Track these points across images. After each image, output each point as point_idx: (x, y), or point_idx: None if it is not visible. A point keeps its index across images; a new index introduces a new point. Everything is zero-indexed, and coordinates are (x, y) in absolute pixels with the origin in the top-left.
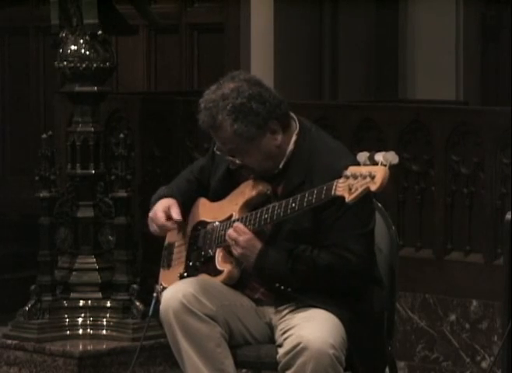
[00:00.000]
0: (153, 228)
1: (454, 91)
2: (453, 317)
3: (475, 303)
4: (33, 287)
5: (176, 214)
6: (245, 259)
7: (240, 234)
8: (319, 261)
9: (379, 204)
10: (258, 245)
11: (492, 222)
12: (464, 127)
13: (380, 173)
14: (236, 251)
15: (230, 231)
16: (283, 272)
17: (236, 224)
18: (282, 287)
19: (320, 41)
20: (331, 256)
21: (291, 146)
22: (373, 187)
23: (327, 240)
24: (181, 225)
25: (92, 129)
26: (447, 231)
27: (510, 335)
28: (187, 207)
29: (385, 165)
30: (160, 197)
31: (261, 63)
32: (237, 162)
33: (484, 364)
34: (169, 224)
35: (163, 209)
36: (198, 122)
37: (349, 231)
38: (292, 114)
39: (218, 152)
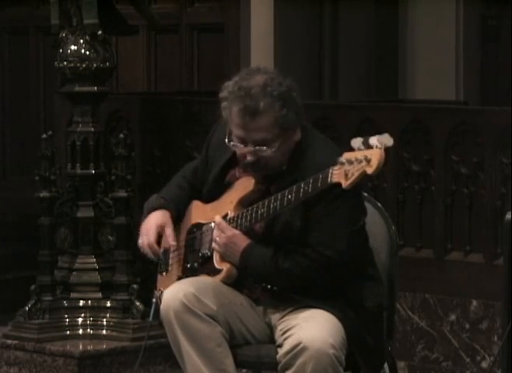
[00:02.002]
0: (142, 244)
1: (454, 91)
2: (453, 317)
3: (475, 303)
4: (33, 287)
5: (171, 238)
6: (229, 258)
7: (222, 231)
8: (303, 261)
9: (379, 204)
10: (242, 243)
11: (492, 222)
12: (464, 127)
13: (375, 156)
14: (219, 249)
15: (215, 230)
16: (267, 271)
17: (218, 221)
18: (269, 287)
19: (320, 41)
20: (317, 256)
21: (292, 146)
22: (370, 170)
23: (315, 238)
24: (174, 229)
25: (92, 129)
26: (447, 231)
27: (510, 335)
28: (181, 214)
29: (380, 148)
30: (153, 208)
31: (261, 63)
32: (265, 153)
33: (484, 364)
34: (157, 251)
35: (156, 228)
36: (235, 109)
37: (337, 229)
38: None
39: (231, 144)
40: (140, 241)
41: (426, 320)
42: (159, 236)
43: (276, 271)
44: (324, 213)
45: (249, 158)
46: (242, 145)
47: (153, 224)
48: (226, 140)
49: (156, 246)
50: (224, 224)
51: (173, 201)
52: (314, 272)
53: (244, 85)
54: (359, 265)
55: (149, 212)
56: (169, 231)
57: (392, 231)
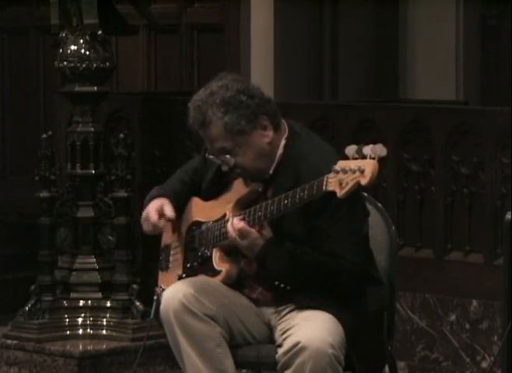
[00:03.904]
0: (146, 227)
1: (454, 91)
2: (453, 317)
3: (475, 303)
4: (33, 287)
5: (169, 211)
6: (250, 250)
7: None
8: (317, 264)
9: (379, 204)
10: (262, 239)
11: (492, 222)
12: (464, 127)
13: (369, 167)
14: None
15: (233, 225)
16: (284, 267)
17: (240, 226)
18: (282, 285)
19: (320, 41)
20: (328, 263)
21: (280, 150)
22: (363, 181)
23: (321, 248)
24: (175, 225)
25: (92, 129)
26: (447, 231)
27: (510, 335)
28: (181, 207)
29: (374, 159)
30: (153, 198)
31: (261, 63)
32: (230, 162)
33: (484, 364)
34: (161, 222)
35: (156, 208)
36: (189, 124)
37: (342, 239)
38: (282, 119)
39: (210, 157)
40: (143, 225)
41: (426, 320)
42: (160, 216)
43: (292, 269)
44: (329, 222)
45: (223, 167)
46: (213, 156)
47: (153, 207)
48: (206, 154)
49: (158, 222)
50: (247, 228)
51: (174, 193)
52: (327, 278)
53: (196, 98)
54: (366, 270)
55: (149, 202)
56: (168, 207)
57: (392, 231)
